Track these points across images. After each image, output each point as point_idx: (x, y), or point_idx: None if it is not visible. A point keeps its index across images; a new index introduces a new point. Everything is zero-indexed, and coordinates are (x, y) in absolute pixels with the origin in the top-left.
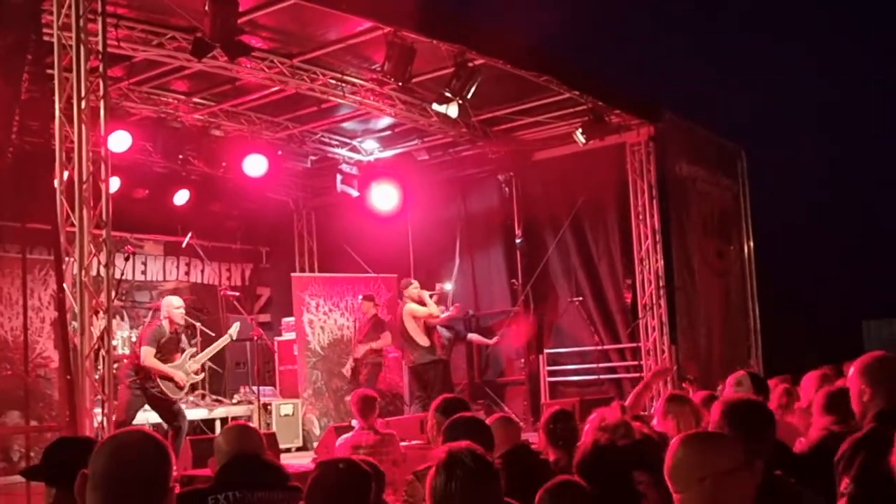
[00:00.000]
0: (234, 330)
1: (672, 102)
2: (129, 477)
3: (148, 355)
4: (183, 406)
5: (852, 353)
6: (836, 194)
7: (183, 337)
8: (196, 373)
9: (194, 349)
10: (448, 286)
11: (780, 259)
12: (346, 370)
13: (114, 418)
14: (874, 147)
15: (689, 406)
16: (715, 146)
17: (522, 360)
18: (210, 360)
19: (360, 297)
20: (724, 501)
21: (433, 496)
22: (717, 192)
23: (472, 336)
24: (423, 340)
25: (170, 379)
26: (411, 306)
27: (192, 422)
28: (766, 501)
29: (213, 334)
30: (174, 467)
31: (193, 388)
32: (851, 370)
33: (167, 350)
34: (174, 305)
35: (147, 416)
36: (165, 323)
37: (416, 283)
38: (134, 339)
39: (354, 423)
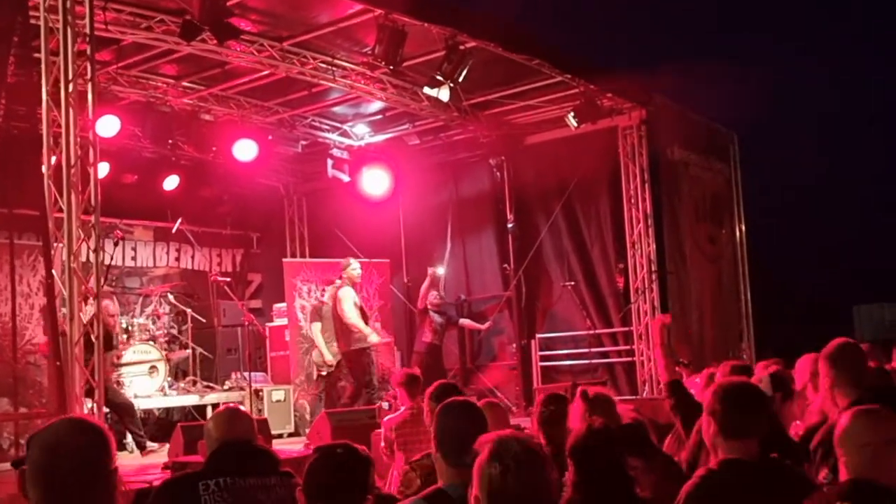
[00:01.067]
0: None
1: (664, 86)
2: (62, 467)
3: None
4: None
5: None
6: (828, 179)
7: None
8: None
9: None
10: (440, 270)
11: (771, 243)
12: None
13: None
14: (867, 135)
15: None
16: (707, 130)
17: (514, 345)
18: (201, 345)
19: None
20: (881, 467)
21: (489, 489)
22: (709, 177)
23: (464, 321)
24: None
25: None
26: (345, 291)
27: (183, 408)
28: (761, 483)
29: (204, 320)
30: (114, 453)
31: (184, 374)
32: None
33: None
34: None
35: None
36: None
37: (355, 264)
38: (126, 326)
39: (386, 405)
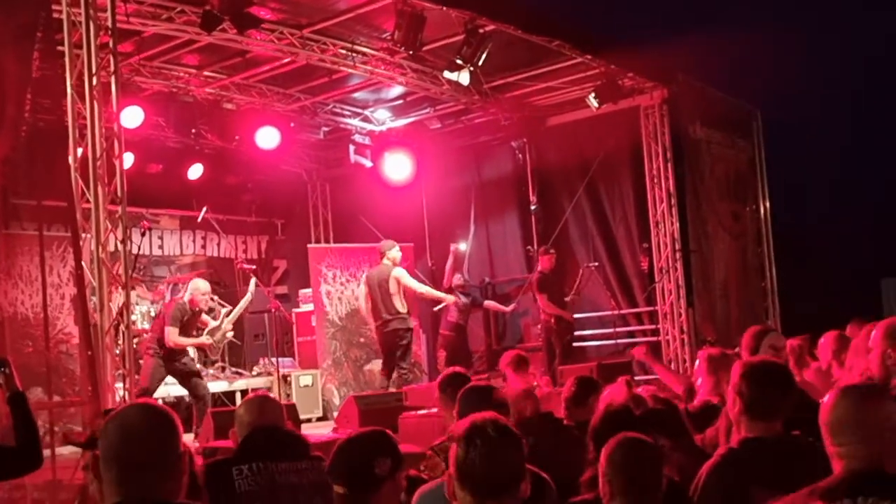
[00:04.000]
0: (251, 287)
1: (686, 64)
2: (135, 452)
3: (172, 334)
4: (205, 378)
5: (871, 312)
6: (855, 152)
7: (204, 314)
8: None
9: (227, 308)
10: (463, 246)
11: (796, 219)
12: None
13: (136, 388)
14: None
15: (729, 361)
16: (729, 107)
17: (539, 326)
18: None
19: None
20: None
21: (456, 466)
22: (731, 154)
23: (489, 303)
24: (403, 306)
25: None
26: (401, 271)
27: (212, 394)
28: (781, 461)
29: (217, 305)
30: (182, 436)
31: (213, 361)
32: (874, 332)
33: (188, 327)
34: (200, 290)
35: (168, 390)
36: (187, 302)
37: (396, 246)
38: (154, 315)
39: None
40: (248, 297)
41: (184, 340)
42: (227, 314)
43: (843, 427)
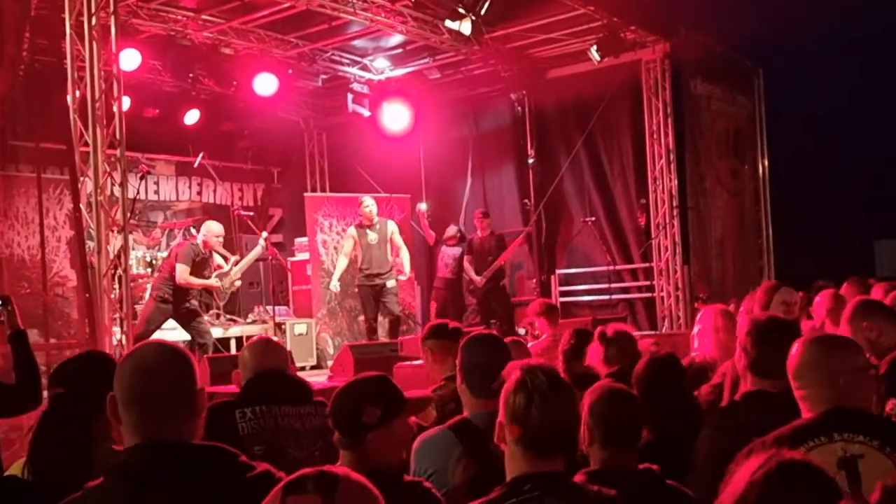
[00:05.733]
0: (262, 241)
1: (688, 18)
2: (155, 387)
3: (183, 272)
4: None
5: (864, 273)
6: (853, 114)
7: (216, 256)
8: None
9: (236, 257)
10: (423, 206)
11: (793, 178)
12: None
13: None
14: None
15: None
16: (731, 64)
17: (534, 281)
18: (227, 256)
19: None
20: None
21: (512, 416)
22: (732, 111)
23: (466, 266)
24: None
25: (208, 291)
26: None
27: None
28: (786, 416)
29: (227, 253)
30: (197, 373)
31: (208, 307)
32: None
33: (200, 268)
34: (214, 233)
35: (165, 335)
36: (201, 244)
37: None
38: (150, 260)
39: (522, 331)
40: (257, 249)
41: (194, 280)
42: (237, 262)
43: (807, 370)
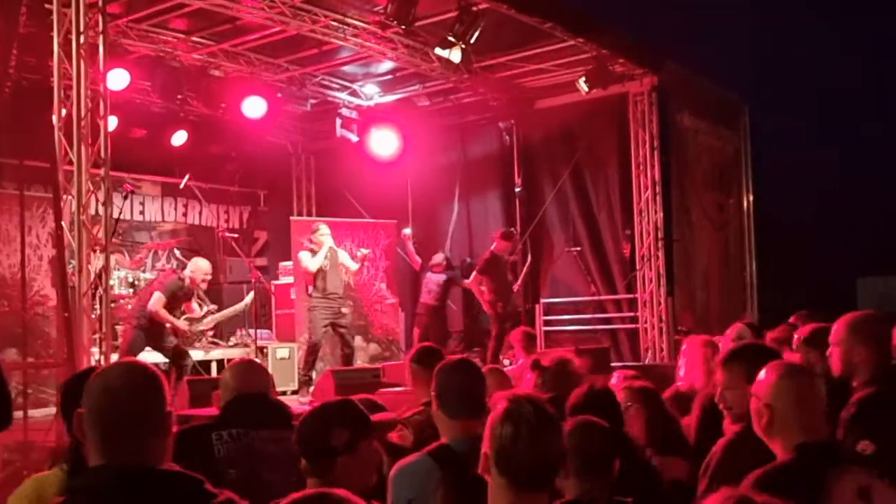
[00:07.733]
0: (249, 299)
1: (676, 55)
2: (119, 408)
3: (158, 302)
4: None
5: (846, 309)
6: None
7: (198, 294)
8: (205, 332)
9: (214, 306)
10: (407, 230)
11: (778, 214)
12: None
13: (115, 357)
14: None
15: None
16: (717, 98)
17: (519, 310)
18: (206, 301)
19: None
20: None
21: (497, 448)
22: (718, 145)
23: (467, 282)
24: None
25: (173, 331)
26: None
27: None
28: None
29: (206, 300)
30: (167, 395)
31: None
32: (835, 327)
33: (176, 303)
34: (202, 270)
35: (146, 357)
36: (187, 279)
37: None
38: (132, 280)
39: (507, 362)
40: (240, 305)
41: (165, 315)
42: (214, 312)
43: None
